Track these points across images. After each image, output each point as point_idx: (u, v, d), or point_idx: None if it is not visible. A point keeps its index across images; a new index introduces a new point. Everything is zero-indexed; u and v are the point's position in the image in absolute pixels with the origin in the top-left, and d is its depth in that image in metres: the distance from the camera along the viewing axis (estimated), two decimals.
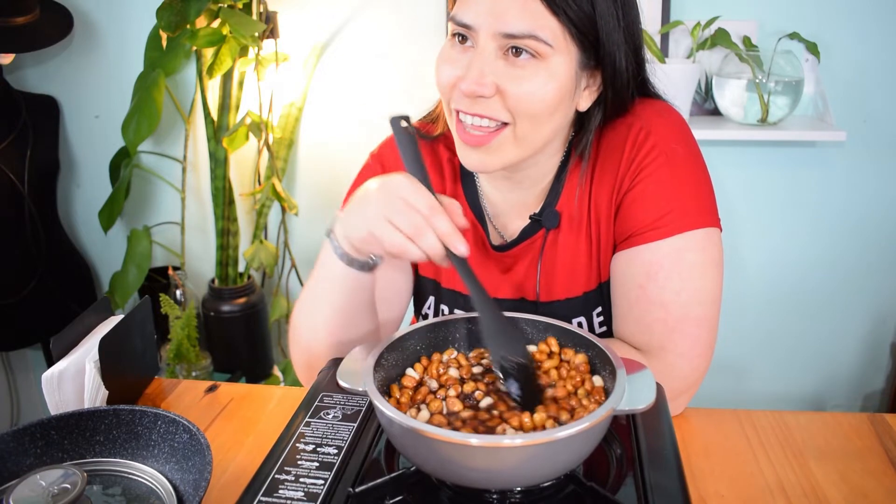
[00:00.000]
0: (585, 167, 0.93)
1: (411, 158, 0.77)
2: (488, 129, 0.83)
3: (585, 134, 0.91)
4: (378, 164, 1.01)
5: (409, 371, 0.74)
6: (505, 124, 0.83)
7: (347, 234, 0.81)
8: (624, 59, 0.84)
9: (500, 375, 0.71)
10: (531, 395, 0.69)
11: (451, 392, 0.71)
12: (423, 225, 0.72)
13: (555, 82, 0.81)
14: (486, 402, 0.70)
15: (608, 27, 0.81)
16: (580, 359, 0.74)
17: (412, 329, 0.76)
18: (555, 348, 0.76)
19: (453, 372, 0.73)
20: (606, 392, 0.70)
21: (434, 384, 0.72)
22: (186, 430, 0.75)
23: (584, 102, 0.87)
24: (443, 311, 1.02)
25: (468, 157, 0.87)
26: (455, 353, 0.77)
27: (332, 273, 0.85)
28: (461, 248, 0.72)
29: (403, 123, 0.78)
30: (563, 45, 0.80)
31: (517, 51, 0.80)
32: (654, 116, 0.91)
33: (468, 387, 0.71)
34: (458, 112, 0.85)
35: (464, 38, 0.83)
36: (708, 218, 0.88)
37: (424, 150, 1.01)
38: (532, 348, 0.77)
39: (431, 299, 1.03)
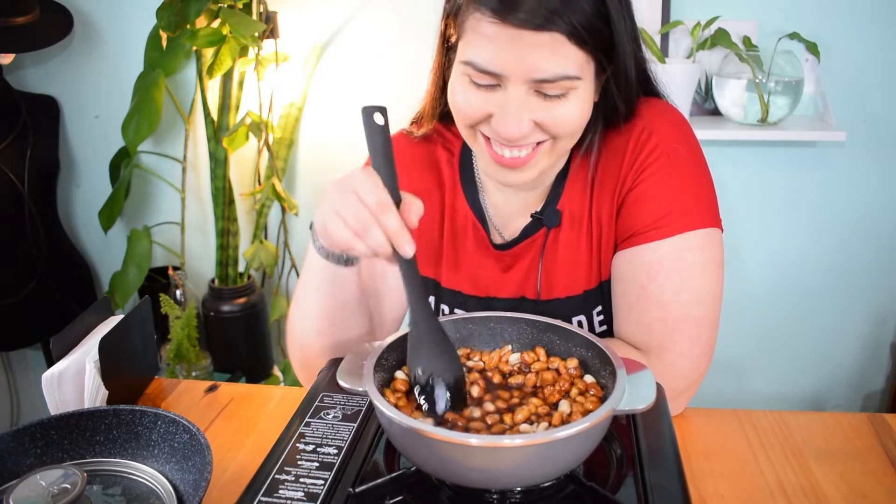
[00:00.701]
0: (588, 166, 0.93)
1: (379, 152, 0.74)
2: (527, 153, 0.84)
3: (589, 131, 0.91)
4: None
5: (399, 374, 0.73)
6: (539, 143, 0.84)
7: (316, 227, 0.81)
8: (633, 64, 0.86)
9: (417, 388, 0.69)
10: (458, 405, 0.69)
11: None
12: (370, 220, 0.70)
13: (584, 102, 0.83)
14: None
15: (621, 41, 0.82)
16: (572, 363, 0.74)
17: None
18: (542, 358, 0.76)
19: None
20: (602, 386, 0.70)
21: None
22: (186, 430, 0.75)
23: (596, 94, 0.88)
24: (443, 310, 1.02)
25: (503, 176, 0.87)
26: None
27: (314, 268, 0.86)
28: (406, 248, 0.70)
29: (377, 116, 0.74)
30: (587, 71, 0.81)
31: (548, 89, 0.79)
32: (656, 116, 0.91)
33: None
34: (487, 137, 0.85)
35: (486, 83, 0.81)
36: (709, 218, 0.89)
37: (421, 151, 1.01)
38: (514, 358, 0.77)
39: (431, 299, 1.03)
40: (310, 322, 0.89)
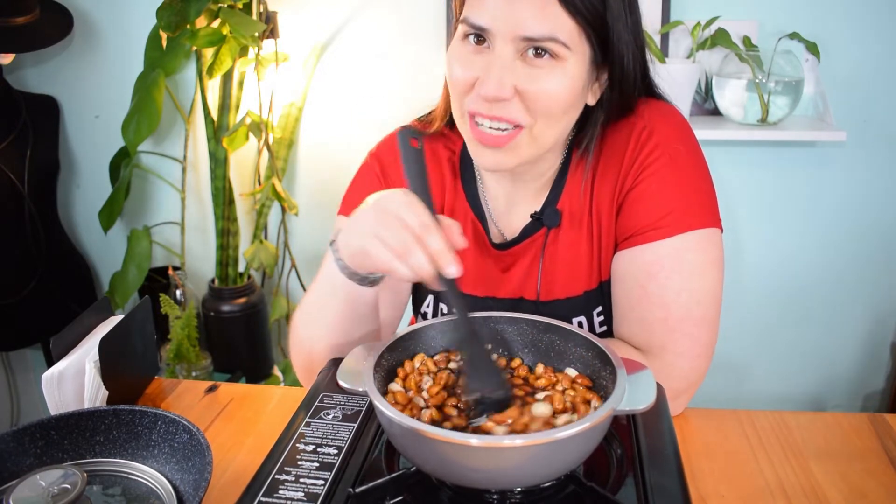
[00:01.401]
0: (588, 165, 0.93)
1: (415, 174, 0.75)
2: (504, 131, 0.84)
3: (589, 130, 0.91)
4: (377, 162, 1.01)
5: (393, 386, 0.72)
6: (520, 127, 0.84)
7: (346, 247, 0.80)
8: (631, 57, 0.85)
9: (474, 410, 0.68)
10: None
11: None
12: (413, 243, 0.70)
13: (571, 81, 0.82)
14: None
15: (618, 25, 0.82)
16: (570, 374, 0.74)
17: (412, 329, 0.76)
18: (543, 380, 0.75)
19: (427, 380, 0.73)
20: (602, 387, 0.70)
21: (421, 401, 0.71)
22: (186, 430, 0.75)
23: (592, 98, 0.89)
24: (442, 310, 1.02)
25: (483, 157, 0.87)
26: (423, 358, 0.75)
27: (333, 283, 0.84)
28: (451, 269, 0.70)
29: (414, 141, 0.76)
30: (578, 46, 0.81)
31: (536, 52, 0.80)
32: (657, 116, 0.91)
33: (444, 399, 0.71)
34: (472, 114, 0.85)
35: (479, 38, 0.83)
36: (709, 218, 0.89)
37: (424, 148, 1.01)
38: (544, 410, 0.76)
39: (430, 298, 1.03)
40: (321, 333, 0.88)
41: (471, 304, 1.00)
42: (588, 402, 0.69)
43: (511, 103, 0.82)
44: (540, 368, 0.76)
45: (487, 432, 0.65)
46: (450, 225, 0.73)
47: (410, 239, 0.70)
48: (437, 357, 0.76)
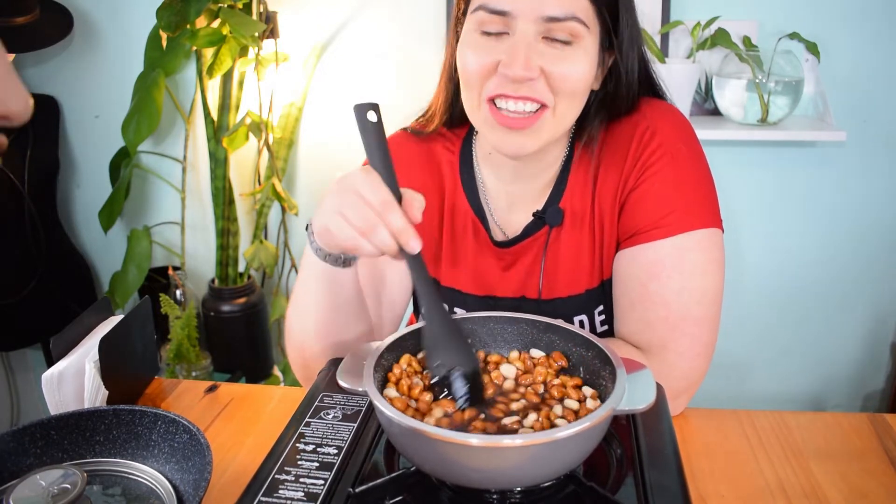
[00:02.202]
0: (591, 164, 0.94)
1: (375, 150, 0.75)
2: (530, 112, 0.84)
3: (590, 123, 0.92)
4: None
5: (390, 392, 0.71)
6: (543, 107, 0.85)
7: (314, 228, 0.81)
8: (635, 44, 0.88)
9: (438, 381, 0.69)
10: (477, 397, 0.69)
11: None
12: (375, 220, 0.71)
13: (590, 60, 0.85)
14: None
15: (625, 6, 0.85)
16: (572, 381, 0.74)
17: (412, 329, 0.76)
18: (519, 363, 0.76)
19: (418, 381, 0.72)
20: (601, 386, 0.70)
21: (415, 403, 0.70)
22: (186, 430, 0.75)
23: (597, 83, 0.90)
24: None
25: (506, 143, 0.87)
26: (409, 359, 0.75)
27: (312, 269, 0.85)
28: (412, 244, 0.71)
29: (371, 114, 0.75)
30: (593, 25, 0.83)
31: (556, 32, 0.82)
32: (659, 116, 0.92)
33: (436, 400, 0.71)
34: (491, 99, 0.85)
35: (494, 31, 0.83)
36: (710, 218, 0.89)
37: (421, 150, 1.01)
38: (510, 371, 0.76)
39: None
40: (309, 324, 0.89)
41: (472, 304, 1.00)
42: (576, 388, 0.70)
43: (537, 83, 0.83)
44: (514, 353, 0.76)
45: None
46: (411, 199, 0.73)
47: (372, 216, 0.71)
48: (420, 356, 0.76)
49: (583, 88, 0.86)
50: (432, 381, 0.70)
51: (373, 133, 0.74)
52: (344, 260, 0.84)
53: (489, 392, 0.72)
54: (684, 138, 0.92)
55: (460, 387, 0.69)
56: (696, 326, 0.87)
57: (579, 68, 0.84)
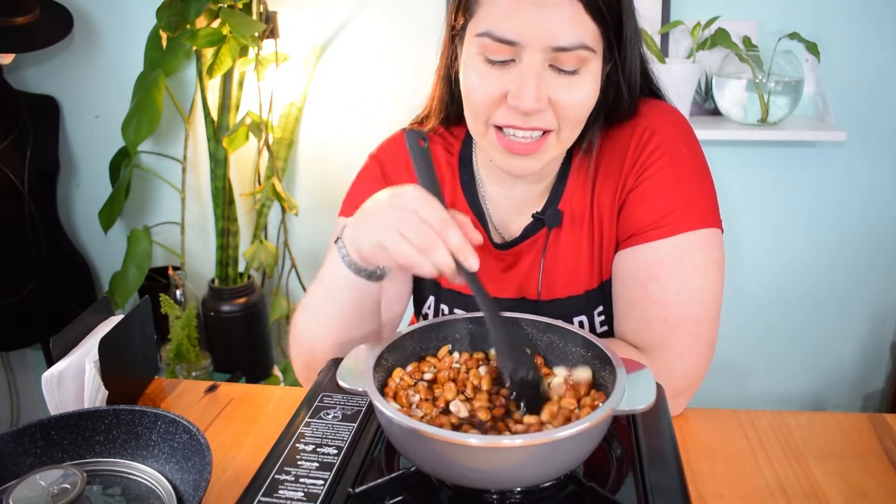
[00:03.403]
0: (590, 165, 0.93)
1: (425, 173, 0.77)
2: (535, 139, 0.84)
3: (590, 129, 0.91)
4: (377, 164, 1.01)
5: (392, 405, 0.72)
6: (548, 132, 0.84)
7: (356, 243, 0.80)
8: (636, 49, 0.87)
9: (511, 389, 0.71)
10: (536, 407, 0.70)
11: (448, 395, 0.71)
12: (435, 239, 0.71)
13: (595, 82, 0.84)
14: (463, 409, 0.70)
15: (630, 22, 0.84)
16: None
17: (412, 329, 0.76)
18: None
19: (414, 395, 0.72)
20: (601, 387, 0.70)
21: (420, 412, 0.71)
22: (186, 430, 0.75)
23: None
24: (443, 310, 1.02)
25: (513, 165, 0.87)
26: (401, 373, 0.75)
27: (338, 279, 0.84)
28: (472, 262, 0.71)
29: (420, 141, 0.78)
30: (598, 47, 0.82)
31: (563, 61, 0.80)
32: (658, 117, 0.92)
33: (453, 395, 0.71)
34: (497, 126, 0.85)
35: (499, 60, 0.81)
36: (710, 218, 0.89)
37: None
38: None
39: (431, 299, 1.03)
40: (324, 331, 0.88)
41: (473, 305, 1.00)
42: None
43: (545, 113, 0.82)
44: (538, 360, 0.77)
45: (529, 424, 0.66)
46: (464, 220, 0.74)
47: (431, 234, 0.71)
48: (409, 368, 0.76)
49: (588, 112, 0.86)
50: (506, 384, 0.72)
51: (423, 159, 0.78)
52: (378, 274, 0.84)
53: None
54: (684, 138, 0.91)
55: (521, 395, 0.70)
56: (697, 326, 0.87)
57: (586, 95, 0.83)
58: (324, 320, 0.88)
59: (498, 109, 0.83)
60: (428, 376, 0.75)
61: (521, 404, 0.70)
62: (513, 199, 0.98)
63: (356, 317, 0.87)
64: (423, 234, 0.71)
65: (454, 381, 0.73)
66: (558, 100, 0.81)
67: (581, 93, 0.82)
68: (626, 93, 0.88)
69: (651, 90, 0.95)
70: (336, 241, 0.84)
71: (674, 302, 0.87)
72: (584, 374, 0.73)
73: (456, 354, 0.78)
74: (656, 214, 0.88)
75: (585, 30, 0.79)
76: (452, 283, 1.01)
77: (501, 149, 0.86)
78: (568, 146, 0.88)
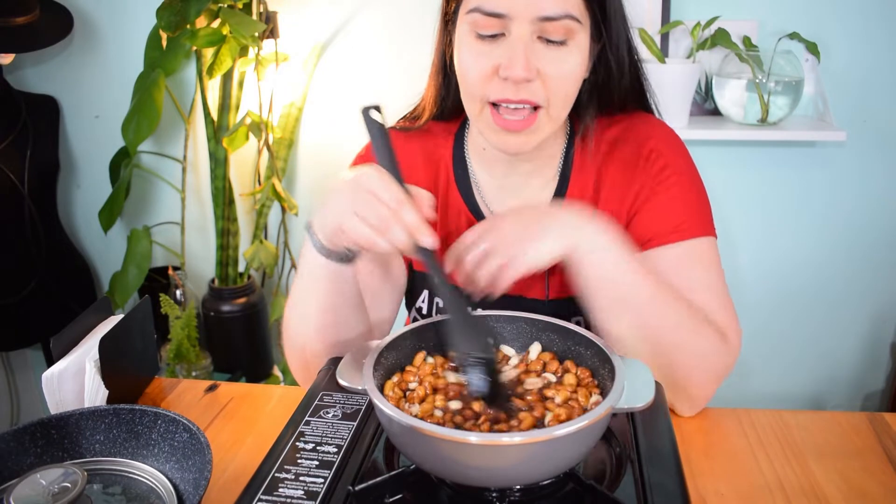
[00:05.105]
0: (592, 168, 0.96)
1: (382, 150, 0.77)
2: (526, 115, 0.86)
3: (584, 112, 0.94)
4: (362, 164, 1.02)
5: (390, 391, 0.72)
6: (537, 108, 0.86)
7: (321, 227, 0.82)
8: (624, 32, 0.89)
9: (464, 372, 0.70)
10: (496, 391, 0.69)
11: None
12: (390, 217, 0.72)
13: (582, 58, 0.86)
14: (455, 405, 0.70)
15: (613, 3, 0.87)
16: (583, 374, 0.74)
17: (411, 328, 0.76)
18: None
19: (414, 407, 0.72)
20: (600, 385, 0.70)
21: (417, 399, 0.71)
22: (186, 429, 0.75)
23: (586, 71, 0.91)
24: (437, 304, 1.02)
25: (508, 142, 0.89)
26: (392, 385, 0.74)
27: (313, 267, 0.86)
28: (427, 240, 0.73)
29: (374, 114, 0.77)
30: (585, 19, 0.84)
31: (551, 31, 0.82)
32: (661, 137, 0.96)
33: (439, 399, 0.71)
34: (493, 103, 0.86)
35: (490, 34, 0.84)
36: (709, 227, 0.94)
37: (413, 147, 1.02)
38: (511, 352, 0.77)
39: (425, 293, 1.04)
40: (310, 324, 0.89)
41: (468, 301, 1.00)
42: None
43: (534, 84, 0.84)
44: (547, 356, 0.77)
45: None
46: (420, 196, 0.75)
47: (387, 214, 0.73)
48: (395, 378, 0.74)
49: (575, 87, 0.88)
50: (458, 366, 0.72)
51: (378, 133, 0.77)
52: (348, 257, 0.84)
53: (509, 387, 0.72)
54: (685, 157, 0.97)
55: (475, 378, 0.69)
56: (721, 308, 0.95)
57: (573, 68, 0.85)
58: (308, 314, 0.89)
59: (491, 84, 0.85)
60: (413, 385, 0.74)
61: (480, 387, 0.69)
62: (507, 193, 0.99)
63: (338, 304, 0.88)
64: (378, 213, 0.73)
65: (436, 390, 0.72)
66: (547, 72, 0.84)
67: (568, 65, 0.84)
68: (615, 69, 0.91)
69: (641, 87, 0.97)
70: (307, 228, 0.85)
71: (690, 294, 0.90)
72: (535, 349, 0.76)
73: (430, 359, 0.77)
74: (661, 227, 0.92)
75: (570, 0, 0.82)
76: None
77: (496, 127, 0.88)
78: (559, 121, 0.90)
